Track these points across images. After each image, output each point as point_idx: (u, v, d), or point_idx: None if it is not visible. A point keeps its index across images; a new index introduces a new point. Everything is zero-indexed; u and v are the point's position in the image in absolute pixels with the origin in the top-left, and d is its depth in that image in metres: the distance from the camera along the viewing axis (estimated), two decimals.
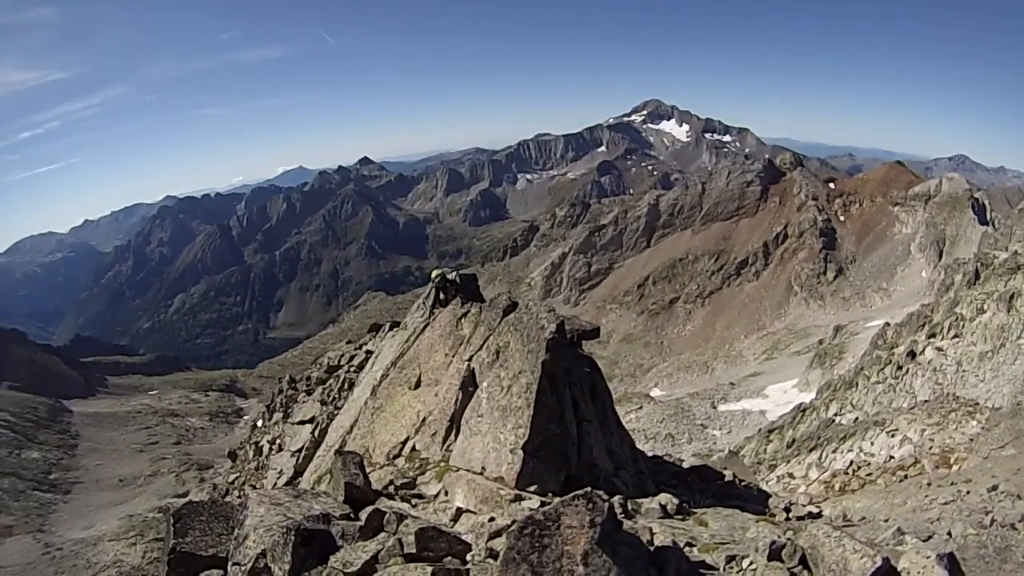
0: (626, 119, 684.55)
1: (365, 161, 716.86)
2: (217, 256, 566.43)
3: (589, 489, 10.87)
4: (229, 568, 13.61)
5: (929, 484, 34.46)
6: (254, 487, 47.12)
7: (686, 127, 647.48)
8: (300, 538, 12.48)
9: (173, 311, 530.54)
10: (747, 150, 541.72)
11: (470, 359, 26.08)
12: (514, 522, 12.43)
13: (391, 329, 47.57)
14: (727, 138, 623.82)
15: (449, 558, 12.13)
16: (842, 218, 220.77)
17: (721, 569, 13.71)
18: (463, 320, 30.32)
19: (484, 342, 26.26)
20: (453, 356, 28.25)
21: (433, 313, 34.56)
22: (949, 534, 18.75)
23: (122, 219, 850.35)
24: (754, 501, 30.35)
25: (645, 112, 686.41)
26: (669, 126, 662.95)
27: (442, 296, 34.73)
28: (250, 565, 12.95)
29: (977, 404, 50.87)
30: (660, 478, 29.85)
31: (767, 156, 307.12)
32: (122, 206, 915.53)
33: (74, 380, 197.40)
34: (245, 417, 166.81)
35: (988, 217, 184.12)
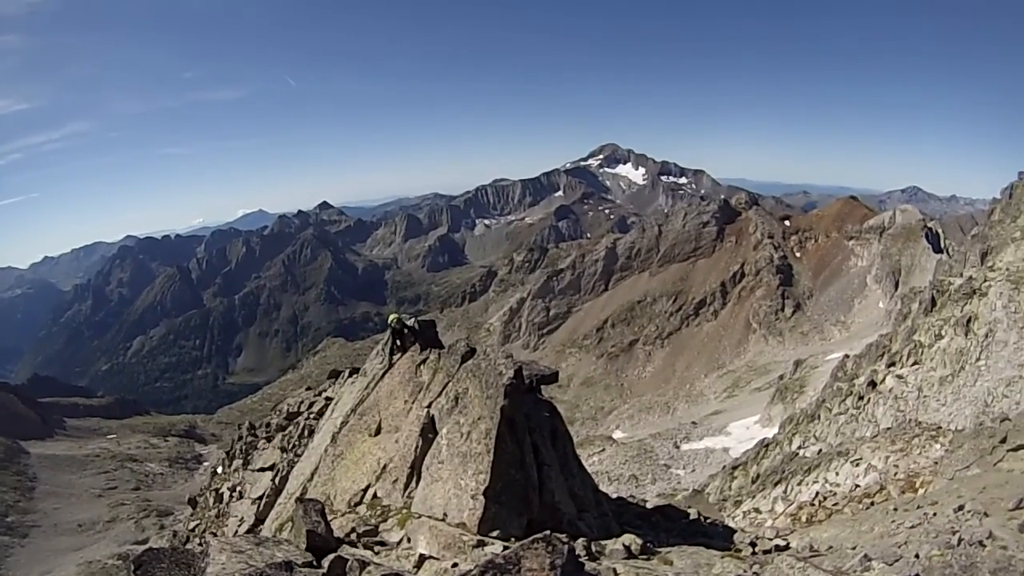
0: (583, 163, 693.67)
1: (325, 206, 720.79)
2: (176, 298, 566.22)
3: (549, 532, 10.94)
4: None
5: (896, 509, 34.57)
6: (215, 534, 46.82)
7: (642, 170, 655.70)
8: None
9: (132, 353, 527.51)
10: (703, 191, 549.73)
11: (429, 406, 25.93)
12: (476, 567, 12.46)
13: (350, 375, 47.46)
14: (683, 180, 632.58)
15: None
16: (798, 254, 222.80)
17: None
18: (422, 367, 30.25)
19: (443, 388, 26.15)
20: (413, 403, 28.09)
21: (392, 360, 34.49)
22: (916, 556, 18.85)
23: (82, 257, 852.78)
24: (720, 538, 30.42)
25: (602, 156, 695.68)
26: (625, 170, 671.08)
27: (399, 342, 34.65)
28: None
29: (940, 428, 51.22)
30: (624, 519, 29.91)
31: (723, 197, 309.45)
32: (82, 244, 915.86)
33: (32, 420, 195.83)
34: (205, 463, 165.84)
35: (942, 245, 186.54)
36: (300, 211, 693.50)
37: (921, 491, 39.30)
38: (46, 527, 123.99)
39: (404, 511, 22.51)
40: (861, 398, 71.13)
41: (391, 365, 34.23)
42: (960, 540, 20.28)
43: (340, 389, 46.84)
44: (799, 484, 57.61)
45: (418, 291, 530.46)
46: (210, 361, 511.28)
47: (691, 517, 36.99)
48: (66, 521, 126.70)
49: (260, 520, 40.64)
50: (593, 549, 18.91)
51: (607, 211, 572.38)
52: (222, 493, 56.68)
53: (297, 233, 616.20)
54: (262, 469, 49.26)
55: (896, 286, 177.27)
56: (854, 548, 26.69)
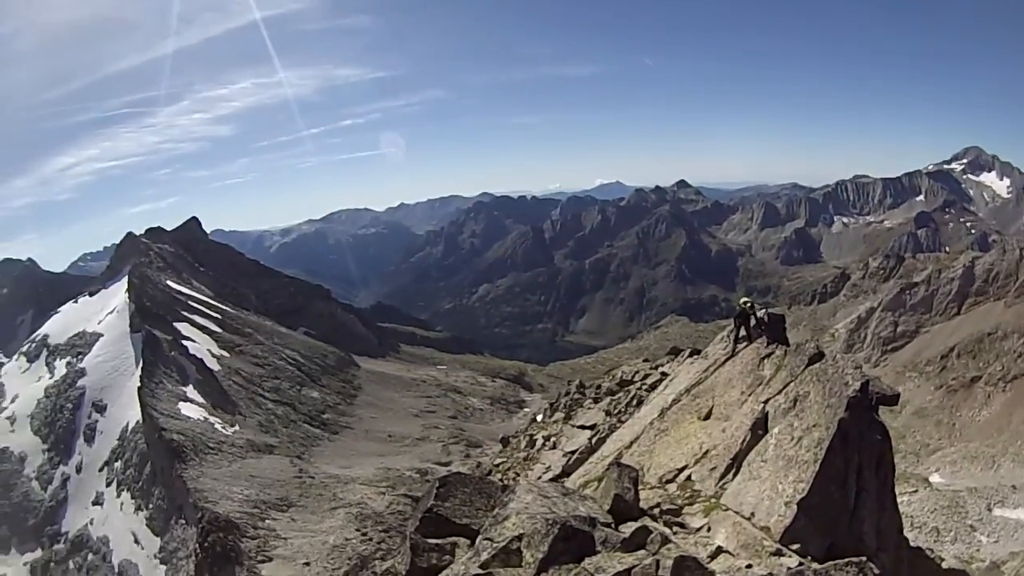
0: (945, 166, 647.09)
1: (682, 184, 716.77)
2: (527, 255, 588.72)
3: (864, 559, 10.79)
4: (479, 541, 14.37)
5: None
6: (518, 475, 48.43)
7: (1007, 181, 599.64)
8: (563, 533, 12.92)
9: (476, 298, 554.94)
10: None
11: (766, 402, 25.64)
12: (771, 574, 12.44)
13: (690, 356, 47.56)
14: None
15: None
16: None
17: None
18: (766, 361, 29.98)
19: (784, 387, 25.75)
20: (749, 395, 27.97)
21: (736, 348, 34.29)
22: None
23: (437, 207, 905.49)
24: None
25: (965, 161, 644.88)
26: (989, 178, 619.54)
27: (744, 329, 34.20)
28: (503, 544, 13.63)
29: None
30: (915, 572, 28.79)
31: None
32: (439, 196, 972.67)
33: (368, 340, 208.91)
34: (525, 409, 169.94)
35: None
36: (657, 187, 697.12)
37: None
38: (358, 431, 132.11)
39: (712, 500, 22.45)
40: None
41: (734, 353, 34.12)
42: None
43: (678, 367, 47.00)
44: None
45: (769, 282, 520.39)
46: (551, 317, 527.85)
47: None
48: (378, 430, 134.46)
49: (566, 473, 41.46)
50: None
51: (968, 224, 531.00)
52: (536, 440, 58.27)
53: (653, 208, 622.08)
54: (582, 427, 50.30)
55: None
56: None
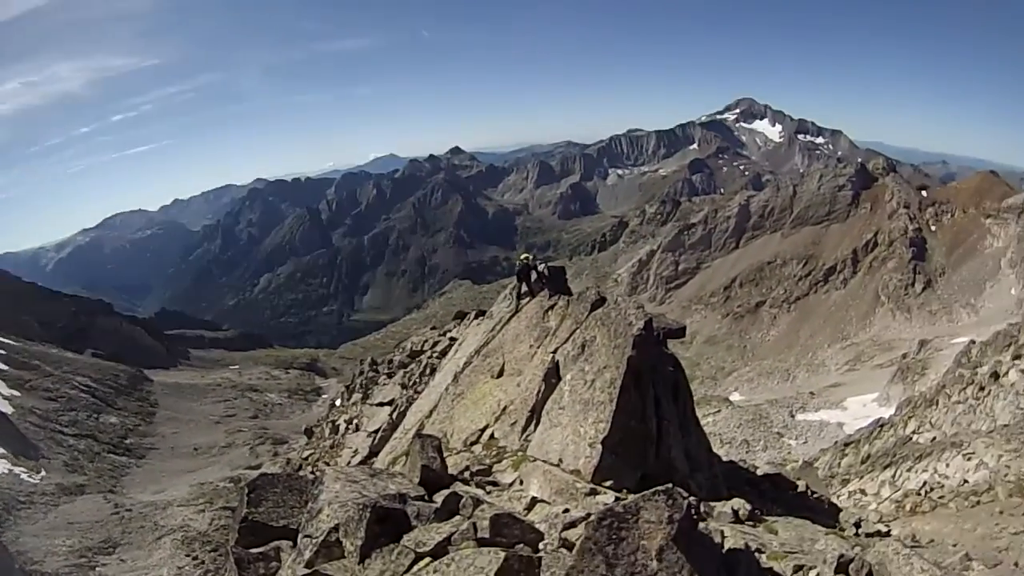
0: (719, 117, 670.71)
1: (456, 151, 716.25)
2: (305, 238, 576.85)
3: (671, 485, 10.89)
4: (300, 540, 13.94)
5: (1001, 512, 33.58)
6: (328, 464, 47.95)
7: (779, 127, 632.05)
8: (376, 515, 12.65)
9: (259, 290, 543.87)
10: (840, 153, 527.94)
11: (555, 351, 25.98)
12: (589, 514, 12.50)
13: (476, 317, 47.84)
14: (820, 140, 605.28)
15: (521, 545, 12.13)
16: (933, 228, 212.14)
17: None
18: (550, 312, 30.40)
19: (570, 335, 26.11)
20: (538, 347, 28.26)
21: (520, 304, 34.84)
22: (1016, 564, 18.35)
23: (212, 199, 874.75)
24: (824, 514, 30.03)
25: (738, 111, 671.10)
26: (762, 126, 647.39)
27: (526, 286, 34.83)
28: (322, 538, 13.26)
29: None
30: (733, 483, 29.62)
31: (860, 160, 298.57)
32: (213, 187, 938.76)
33: (157, 351, 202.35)
34: (324, 396, 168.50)
35: None
36: (432, 156, 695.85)
37: None
38: (163, 450, 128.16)
39: (519, 454, 22.73)
40: (982, 389, 68.26)
41: (518, 309, 34.62)
42: None
43: (465, 330, 47.36)
44: (908, 471, 56.02)
45: (548, 238, 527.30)
46: (336, 299, 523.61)
47: (799, 489, 36.57)
48: (183, 445, 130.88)
49: (374, 453, 41.45)
50: (702, 509, 18.84)
51: (742, 167, 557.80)
52: (339, 425, 58.08)
53: (428, 177, 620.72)
54: (381, 404, 50.12)
55: None
56: (955, 545, 26.28)
